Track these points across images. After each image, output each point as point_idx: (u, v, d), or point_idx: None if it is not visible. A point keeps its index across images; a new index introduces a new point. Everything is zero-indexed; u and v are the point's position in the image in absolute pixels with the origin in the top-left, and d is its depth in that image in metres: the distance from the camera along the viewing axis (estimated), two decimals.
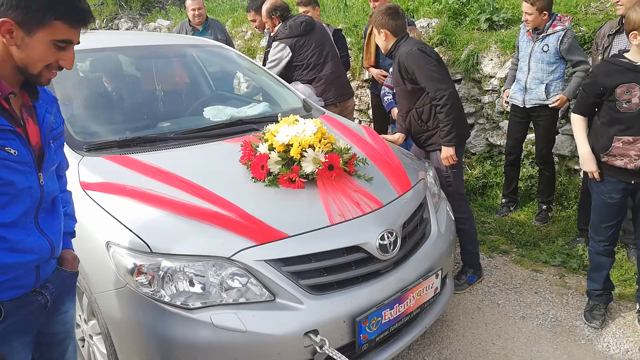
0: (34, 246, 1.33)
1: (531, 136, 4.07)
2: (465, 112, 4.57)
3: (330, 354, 1.76)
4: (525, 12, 3.47)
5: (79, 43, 1.32)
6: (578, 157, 3.71)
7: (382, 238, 2.05)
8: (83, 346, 2.33)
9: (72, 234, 1.65)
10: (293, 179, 2.15)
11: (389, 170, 2.47)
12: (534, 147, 3.95)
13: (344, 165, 2.25)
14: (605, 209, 2.56)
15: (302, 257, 1.90)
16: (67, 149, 2.27)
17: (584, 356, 2.52)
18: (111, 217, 1.91)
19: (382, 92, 4.01)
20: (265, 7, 4.07)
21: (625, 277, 3.12)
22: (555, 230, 3.77)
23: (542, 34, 3.48)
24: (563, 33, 3.41)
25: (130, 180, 2.07)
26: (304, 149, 2.17)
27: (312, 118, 2.52)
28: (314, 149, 2.18)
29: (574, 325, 2.77)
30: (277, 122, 2.39)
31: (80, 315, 2.21)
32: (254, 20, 4.62)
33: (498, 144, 4.55)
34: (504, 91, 3.97)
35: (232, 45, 5.10)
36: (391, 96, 3.86)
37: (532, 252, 3.54)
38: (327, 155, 2.20)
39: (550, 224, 3.87)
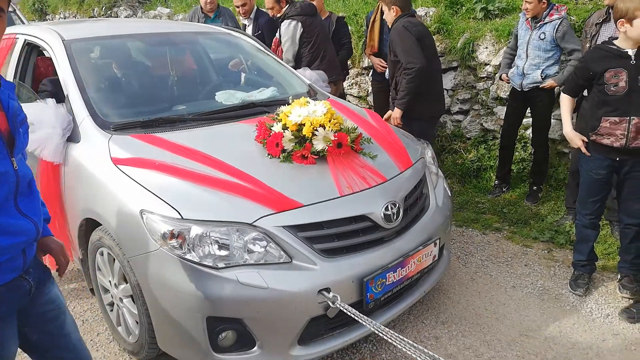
0: (20, 228, 1.38)
1: (526, 121, 4.30)
2: (461, 97, 4.83)
3: (342, 309, 1.98)
4: (525, 1, 3.67)
5: (5, 12, 1.30)
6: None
7: (386, 209, 2.27)
8: (112, 310, 2.54)
9: (48, 220, 1.67)
10: (305, 156, 2.36)
11: (391, 149, 2.69)
12: (530, 130, 4.17)
13: (352, 143, 2.46)
14: (592, 185, 2.79)
15: (315, 224, 2.11)
16: (95, 129, 2.48)
17: (569, 320, 2.76)
18: (144, 188, 2.11)
19: None
20: None
21: (609, 251, 3.37)
22: (544, 209, 4.02)
23: (540, 23, 3.69)
24: (559, 22, 3.63)
25: (158, 155, 2.27)
26: (315, 128, 2.38)
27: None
28: (324, 128, 2.39)
29: (560, 293, 3.01)
30: (288, 104, 2.59)
31: (110, 281, 2.42)
32: (243, 5, 4.64)
33: (492, 129, 4.77)
34: (500, 77, 4.17)
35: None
36: None
37: (523, 229, 3.78)
38: (336, 134, 2.41)
39: (540, 203, 4.11)
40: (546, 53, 3.73)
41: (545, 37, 3.68)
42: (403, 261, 2.31)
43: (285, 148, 2.37)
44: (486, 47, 4.74)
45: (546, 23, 3.67)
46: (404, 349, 1.72)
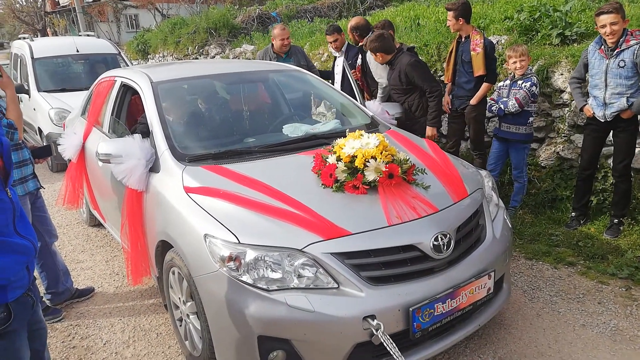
0: (24, 248, 1.60)
1: (607, 149, 4.08)
2: (535, 125, 4.68)
3: (381, 338, 2.04)
4: (610, 24, 3.48)
5: None
6: None
7: (435, 239, 2.30)
8: (181, 325, 2.78)
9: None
10: (357, 186, 2.47)
11: (447, 180, 2.72)
12: (612, 159, 3.95)
13: (403, 174, 2.54)
14: None
15: (362, 252, 2.20)
16: (172, 160, 2.79)
17: None
18: (208, 214, 2.34)
19: (488, 105, 4.41)
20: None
21: None
22: (625, 243, 3.75)
23: (616, 50, 3.54)
24: (637, 47, 3.46)
25: (223, 185, 2.51)
26: (366, 160, 2.49)
27: (377, 132, 2.84)
28: (376, 159, 2.49)
29: (635, 334, 2.80)
30: (345, 136, 2.73)
31: (180, 298, 2.67)
32: (335, 40, 5.09)
33: (569, 157, 4.56)
34: (580, 109, 3.95)
35: (313, 68, 5.53)
36: (496, 106, 4.31)
37: (600, 264, 3.56)
38: (387, 165, 2.50)
39: (621, 237, 3.85)
40: (628, 80, 3.56)
41: (625, 65, 3.51)
42: (453, 292, 2.32)
43: (338, 178, 2.50)
44: (562, 74, 4.59)
45: (623, 50, 3.51)
46: None
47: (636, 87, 3.56)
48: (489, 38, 5.29)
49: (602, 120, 3.73)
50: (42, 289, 3.38)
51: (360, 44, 4.99)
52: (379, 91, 4.87)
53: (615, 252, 3.67)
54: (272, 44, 5.32)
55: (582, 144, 4.08)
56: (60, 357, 2.91)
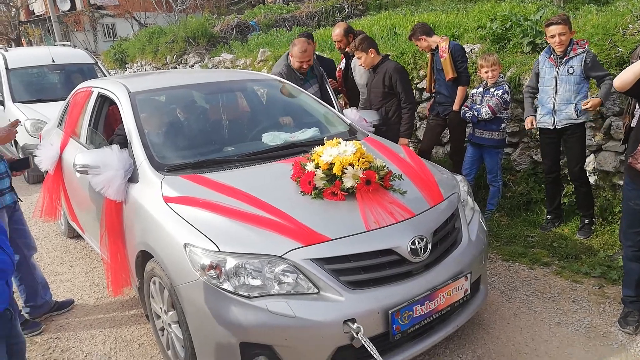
0: (4, 264, 1.65)
1: None
2: (509, 131, 4.81)
3: (362, 340, 2.08)
4: (559, 34, 3.70)
5: None
6: (622, 172, 3.86)
7: (413, 243, 2.36)
8: (162, 335, 2.78)
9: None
10: (335, 193, 2.51)
11: (423, 185, 2.78)
12: (567, 164, 4.08)
13: (380, 181, 2.59)
14: (632, 215, 2.72)
15: (342, 257, 2.24)
16: (150, 170, 2.79)
17: (615, 359, 2.65)
18: (188, 224, 2.35)
19: (462, 111, 4.50)
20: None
21: None
22: (597, 243, 3.87)
23: (565, 58, 3.71)
24: (584, 54, 3.66)
25: (202, 194, 2.53)
26: (344, 167, 2.54)
27: (355, 140, 2.89)
28: (353, 166, 2.54)
29: (608, 331, 2.90)
30: (323, 144, 2.77)
31: (161, 308, 2.67)
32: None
33: (542, 161, 4.68)
34: (525, 119, 4.11)
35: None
36: (470, 113, 4.41)
37: (574, 264, 3.66)
38: (364, 172, 2.55)
39: (594, 237, 3.97)
40: (576, 87, 3.75)
41: (574, 71, 3.70)
42: (431, 294, 2.37)
43: (317, 185, 2.54)
44: None
45: (571, 58, 3.71)
46: None
47: (583, 94, 3.75)
48: (463, 46, 5.44)
49: (552, 128, 3.88)
50: (20, 303, 3.34)
51: (347, 49, 4.98)
52: (361, 101, 4.93)
53: (588, 251, 3.79)
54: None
55: (540, 152, 4.24)
56: None
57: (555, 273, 3.60)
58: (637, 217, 2.70)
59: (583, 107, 3.69)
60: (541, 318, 3.07)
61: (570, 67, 3.72)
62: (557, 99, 3.81)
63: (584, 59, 3.68)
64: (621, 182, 4.15)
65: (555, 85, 3.80)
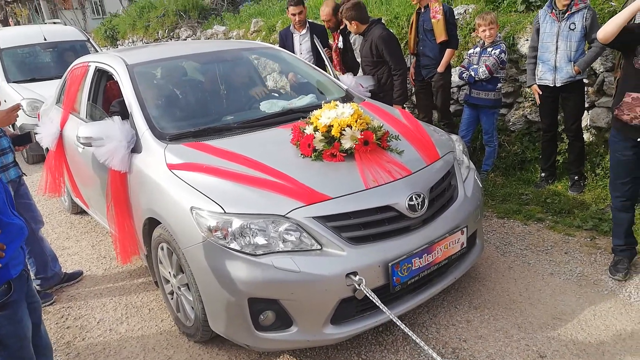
0: (20, 228, 1.80)
1: None
2: (504, 91, 4.86)
3: (364, 291, 2.19)
4: None
5: None
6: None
7: (410, 199, 2.45)
8: (172, 298, 2.90)
9: None
10: (334, 154, 2.59)
11: (419, 144, 2.86)
12: (564, 121, 4.14)
13: (378, 141, 2.67)
14: (619, 166, 2.81)
15: (342, 215, 2.33)
16: (153, 140, 2.85)
17: (605, 304, 2.78)
18: (193, 188, 2.43)
19: (459, 72, 4.54)
20: None
21: None
22: (590, 198, 3.98)
23: (567, 13, 3.70)
24: (586, 10, 3.63)
25: (205, 160, 2.60)
26: (342, 128, 2.61)
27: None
28: (351, 127, 2.61)
29: (599, 279, 3.02)
30: (321, 108, 2.83)
31: (170, 272, 2.77)
32: (300, 13, 4.96)
33: (536, 120, 4.75)
34: (531, 86, 4.13)
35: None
36: (466, 73, 4.43)
37: (566, 218, 3.78)
38: (362, 132, 2.62)
39: (586, 192, 4.07)
40: (577, 44, 3.74)
41: (575, 27, 3.69)
42: (429, 247, 2.48)
43: (316, 148, 2.62)
44: (527, 40, 4.73)
45: (573, 13, 3.68)
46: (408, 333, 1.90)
47: (581, 51, 3.76)
48: (457, 7, 5.43)
49: (552, 85, 3.90)
50: (31, 275, 3.44)
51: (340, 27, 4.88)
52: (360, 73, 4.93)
53: (581, 206, 3.90)
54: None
55: (539, 111, 4.29)
56: (56, 338, 3.00)
57: (548, 228, 3.72)
58: (623, 168, 2.79)
59: (575, 70, 3.73)
60: (535, 270, 3.20)
61: (572, 22, 3.70)
62: (558, 56, 3.80)
63: (585, 15, 3.65)
64: None
65: (557, 42, 3.78)
